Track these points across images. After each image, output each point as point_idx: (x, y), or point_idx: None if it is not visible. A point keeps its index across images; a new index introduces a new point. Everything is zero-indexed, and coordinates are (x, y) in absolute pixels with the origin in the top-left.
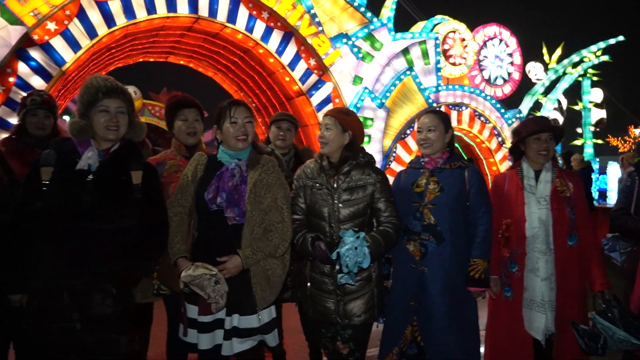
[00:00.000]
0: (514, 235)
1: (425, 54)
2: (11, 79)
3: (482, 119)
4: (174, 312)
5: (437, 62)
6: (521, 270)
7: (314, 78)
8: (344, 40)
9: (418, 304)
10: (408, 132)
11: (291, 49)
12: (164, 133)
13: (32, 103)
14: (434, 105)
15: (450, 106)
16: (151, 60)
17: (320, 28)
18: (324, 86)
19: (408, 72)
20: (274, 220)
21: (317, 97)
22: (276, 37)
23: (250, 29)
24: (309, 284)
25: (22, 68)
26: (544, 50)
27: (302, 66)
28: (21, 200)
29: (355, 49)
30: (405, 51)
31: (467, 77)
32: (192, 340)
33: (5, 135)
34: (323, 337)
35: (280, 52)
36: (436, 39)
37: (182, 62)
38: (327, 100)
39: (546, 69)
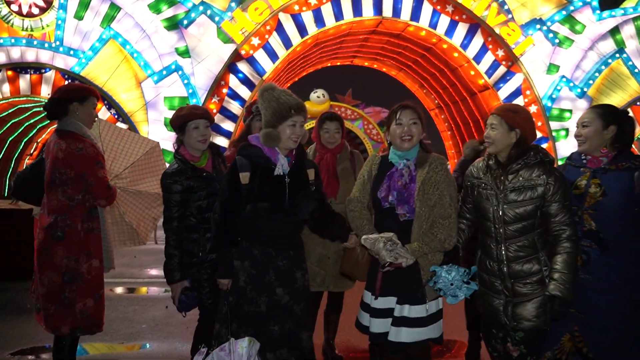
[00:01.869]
0: None
1: None
2: (224, 90)
3: None
4: None
5: None
6: None
7: (501, 70)
8: (538, 26)
9: (579, 313)
10: None
11: (477, 41)
12: (349, 132)
13: (257, 110)
14: None
15: None
16: (338, 64)
17: (509, 16)
18: (513, 78)
19: (617, 55)
20: (440, 216)
21: (505, 90)
22: (461, 30)
23: (434, 24)
24: (477, 282)
25: (232, 80)
26: None
27: (488, 58)
28: (227, 200)
29: (551, 35)
30: (614, 31)
31: None
32: (365, 323)
33: (219, 138)
34: (493, 337)
35: (465, 45)
36: None
37: (366, 64)
38: (516, 93)
39: None
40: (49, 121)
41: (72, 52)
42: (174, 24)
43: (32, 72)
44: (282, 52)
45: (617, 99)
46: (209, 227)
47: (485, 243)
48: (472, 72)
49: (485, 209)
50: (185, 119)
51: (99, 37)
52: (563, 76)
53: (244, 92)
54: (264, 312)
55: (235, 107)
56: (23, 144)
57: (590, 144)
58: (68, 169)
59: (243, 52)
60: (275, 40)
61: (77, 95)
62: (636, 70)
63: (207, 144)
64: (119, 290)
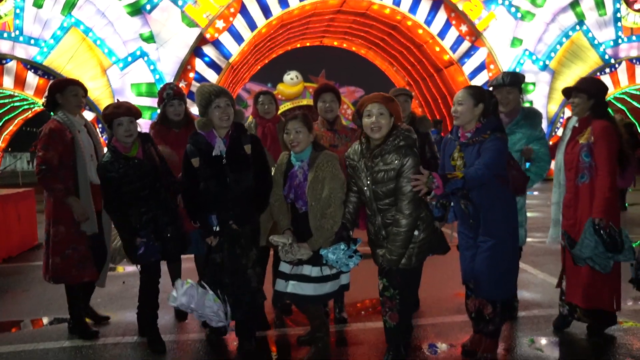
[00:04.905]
0: None
1: (600, 4)
2: (191, 75)
3: None
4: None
5: (616, 10)
6: None
7: (465, 45)
8: (500, 1)
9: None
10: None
11: (441, 17)
12: None
13: (168, 96)
14: (612, 61)
15: (634, 60)
16: (307, 44)
17: None
18: (477, 52)
19: (578, 27)
20: (324, 207)
21: (469, 65)
22: (424, 6)
23: (397, 2)
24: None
25: (198, 64)
26: None
27: (452, 34)
28: (185, 182)
29: (513, 9)
30: (574, 4)
31: None
32: (278, 288)
33: None
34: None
35: (429, 22)
36: None
37: (335, 43)
38: (480, 68)
39: None
40: (14, 114)
41: (32, 42)
42: (137, 10)
43: None
44: (247, 34)
45: (578, 71)
46: (143, 204)
47: (367, 213)
48: (437, 48)
49: (361, 188)
50: (109, 117)
51: (60, 25)
52: (526, 49)
53: (211, 76)
54: (218, 266)
55: None
56: None
57: (463, 119)
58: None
59: (208, 36)
60: (240, 23)
61: (57, 87)
62: (596, 42)
63: (134, 137)
64: None
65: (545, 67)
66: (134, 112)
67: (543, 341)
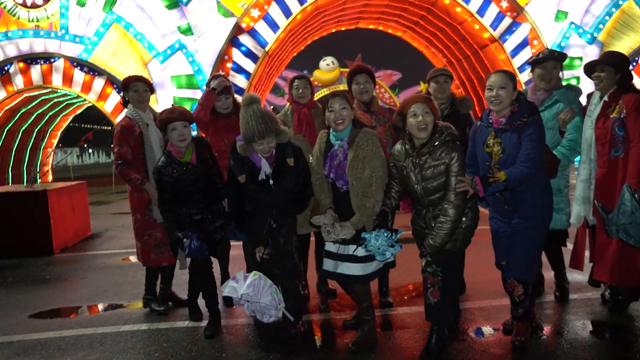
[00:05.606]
0: None
1: None
2: (228, 65)
3: None
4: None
5: None
6: None
7: (507, 21)
8: None
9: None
10: (630, 67)
11: None
12: None
13: (215, 91)
14: None
15: None
16: (343, 29)
17: None
18: (519, 28)
19: None
20: (365, 185)
21: (511, 42)
22: None
23: None
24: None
25: (235, 54)
26: None
27: (492, 10)
28: (232, 195)
29: None
30: None
31: None
32: (326, 267)
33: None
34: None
35: None
36: None
37: (371, 26)
38: (523, 44)
39: None
40: (67, 112)
41: (77, 39)
42: (174, 3)
43: (42, 63)
44: (282, 21)
45: (629, 42)
46: (193, 205)
47: (415, 207)
48: (477, 26)
49: (410, 186)
50: (163, 122)
51: (102, 22)
52: (572, 22)
53: (249, 65)
54: (267, 260)
55: (241, 81)
56: (35, 133)
57: (504, 104)
58: None
59: (244, 25)
60: (274, 10)
61: (123, 86)
62: None
63: (188, 141)
64: (133, 258)
65: (593, 40)
66: (188, 117)
67: (596, 325)
